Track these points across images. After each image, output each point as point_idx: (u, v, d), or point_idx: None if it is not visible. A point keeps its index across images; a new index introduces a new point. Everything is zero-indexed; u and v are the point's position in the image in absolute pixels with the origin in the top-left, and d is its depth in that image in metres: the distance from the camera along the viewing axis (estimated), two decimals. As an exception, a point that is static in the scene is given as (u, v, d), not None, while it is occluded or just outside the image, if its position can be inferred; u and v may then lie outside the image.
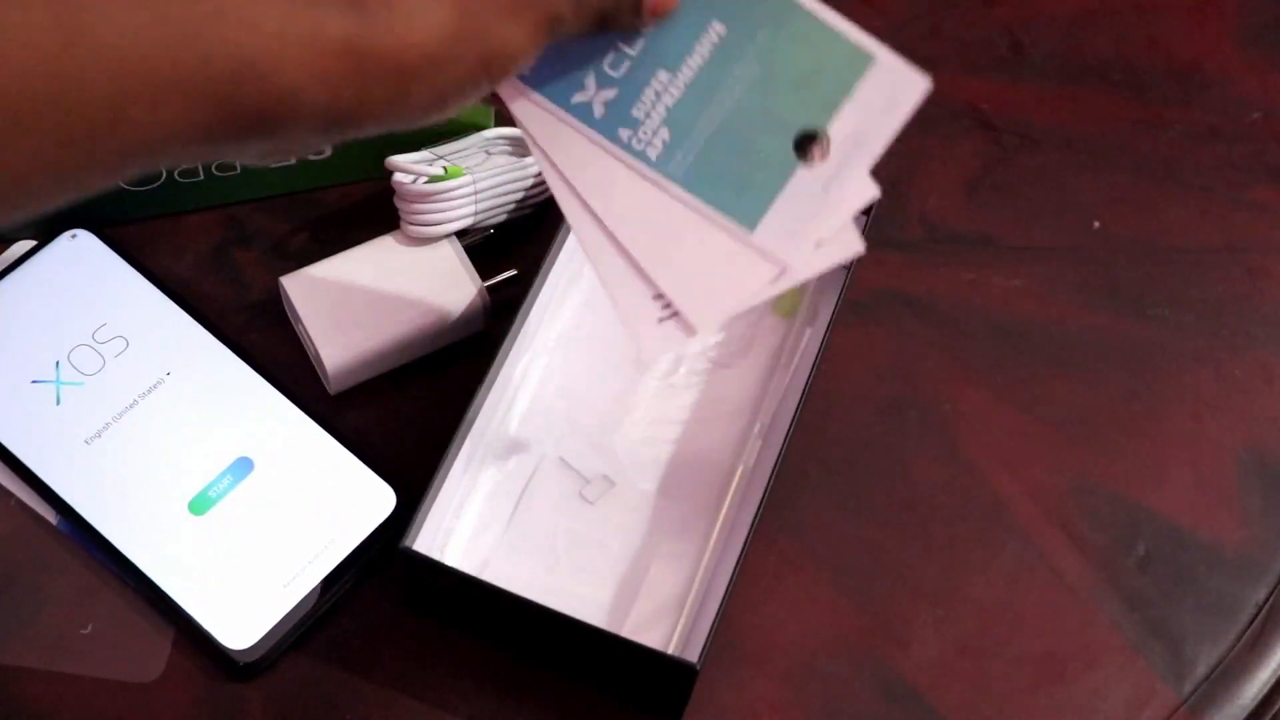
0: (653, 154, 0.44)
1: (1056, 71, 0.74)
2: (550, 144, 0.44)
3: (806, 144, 0.44)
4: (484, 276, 0.63)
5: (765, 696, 0.58)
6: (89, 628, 0.57)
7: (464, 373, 0.61)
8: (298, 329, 0.62)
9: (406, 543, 0.54)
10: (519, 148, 0.65)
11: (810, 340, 0.63)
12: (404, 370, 0.63)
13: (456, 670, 0.57)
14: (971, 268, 0.68)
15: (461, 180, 0.62)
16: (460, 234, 0.63)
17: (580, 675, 0.57)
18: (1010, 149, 0.72)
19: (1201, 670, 0.60)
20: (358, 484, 0.59)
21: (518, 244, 0.65)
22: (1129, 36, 0.75)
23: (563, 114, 0.44)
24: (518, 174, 0.64)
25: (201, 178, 0.64)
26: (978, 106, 0.73)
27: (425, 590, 0.57)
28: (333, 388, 0.62)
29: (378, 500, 0.59)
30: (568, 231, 0.61)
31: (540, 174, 0.64)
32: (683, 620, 0.57)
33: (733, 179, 0.44)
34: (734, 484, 0.60)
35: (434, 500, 0.56)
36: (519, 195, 0.64)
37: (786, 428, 0.59)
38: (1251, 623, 0.61)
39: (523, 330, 0.60)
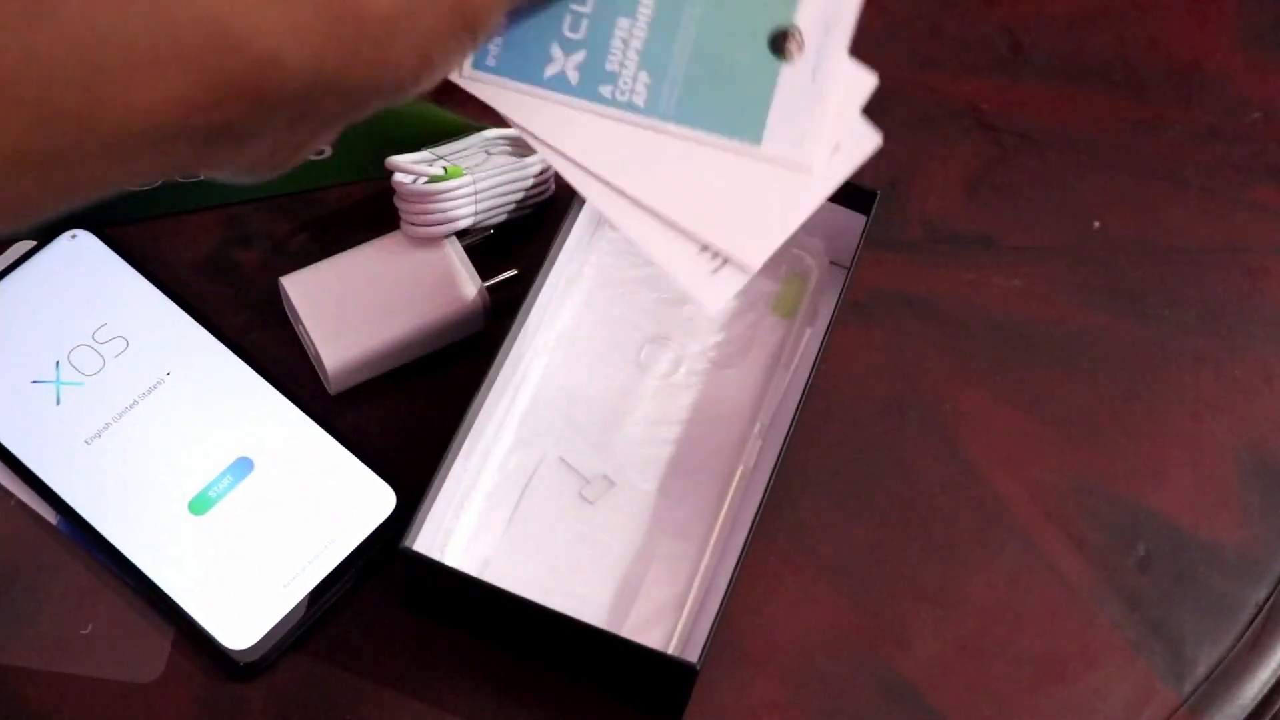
0: (639, 101, 0.44)
1: (1056, 71, 0.74)
2: (547, 132, 0.44)
3: (781, 42, 0.45)
4: (484, 276, 0.63)
5: (765, 696, 0.58)
6: (89, 628, 0.57)
7: (464, 373, 0.61)
8: (298, 329, 0.62)
9: (406, 543, 0.54)
10: (519, 148, 0.65)
11: (810, 340, 0.63)
12: (404, 370, 0.63)
13: (456, 670, 0.57)
14: (971, 268, 0.68)
15: (461, 180, 0.62)
16: (460, 234, 0.63)
17: (580, 675, 0.57)
18: (1010, 149, 0.72)
19: (1201, 670, 0.60)
20: (358, 484, 0.59)
21: (518, 244, 0.65)
22: (1129, 36, 0.75)
23: (541, 92, 0.44)
24: (518, 174, 0.64)
25: (201, 176, 0.64)
26: (978, 106, 0.73)
27: (425, 590, 0.57)
28: (333, 388, 0.62)
29: (378, 500, 0.59)
30: (568, 231, 0.61)
31: (540, 174, 0.64)
32: (683, 620, 0.57)
33: (723, 100, 0.44)
34: (734, 484, 0.60)
35: (434, 500, 0.56)
36: (519, 195, 0.64)
37: (786, 428, 0.59)
38: (1251, 623, 0.61)
39: (523, 330, 0.60)
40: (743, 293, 0.64)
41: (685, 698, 0.55)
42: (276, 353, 0.62)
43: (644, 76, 0.44)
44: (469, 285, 0.62)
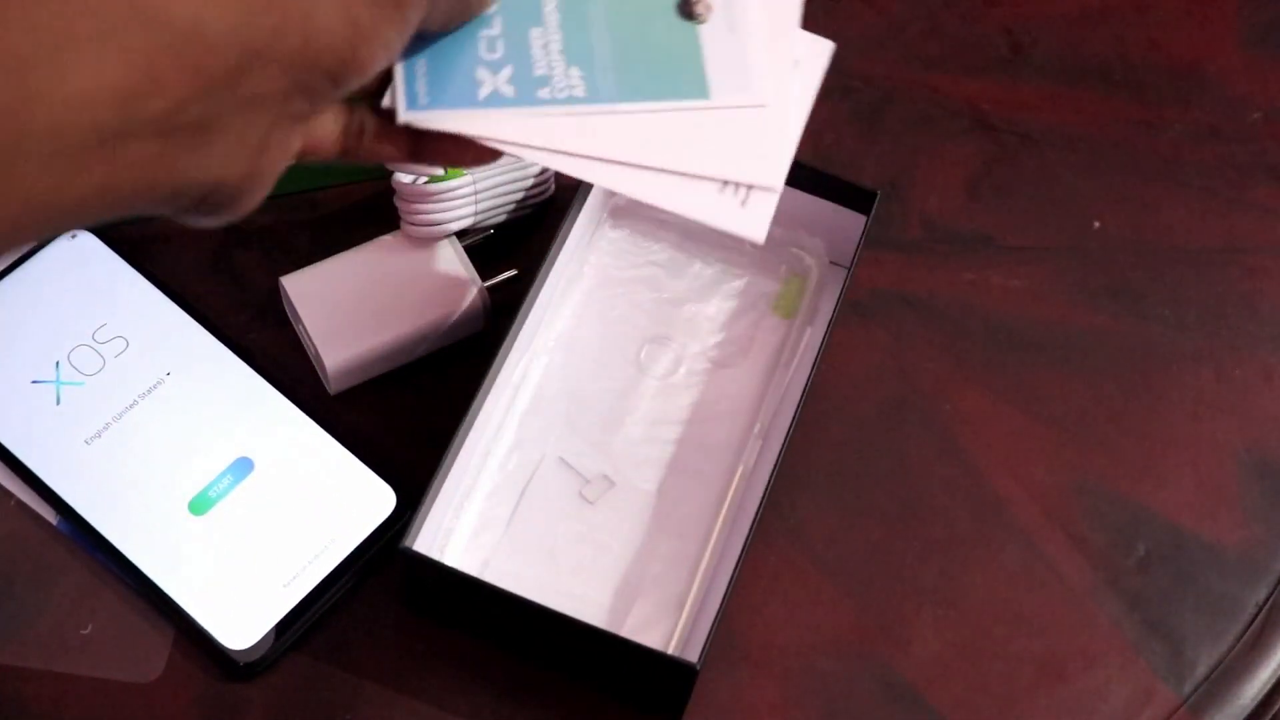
0: (579, 93, 0.44)
1: (1056, 71, 0.74)
2: (520, 137, 0.44)
3: (689, 7, 0.46)
4: (484, 276, 0.63)
5: (765, 696, 0.58)
6: (89, 628, 0.57)
7: (464, 373, 0.61)
8: (298, 329, 0.62)
9: (406, 543, 0.54)
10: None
11: (810, 340, 0.63)
12: (404, 370, 0.63)
13: (456, 670, 0.57)
14: (971, 268, 0.68)
15: (461, 180, 0.62)
16: (460, 234, 0.63)
17: (580, 675, 0.57)
18: (1010, 149, 0.72)
19: (1201, 670, 0.60)
20: (358, 484, 0.59)
21: (518, 244, 0.65)
22: (1129, 36, 0.75)
23: (482, 112, 0.44)
24: (518, 174, 0.64)
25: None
26: (978, 106, 0.73)
27: (425, 590, 0.57)
28: (333, 388, 0.62)
29: (378, 500, 0.59)
30: (567, 231, 0.61)
31: (540, 174, 0.64)
32: (683, 620, 0.57)
33: (658, 71, 0.45)
34: (734, 484, 0.60)
35: (434, 500, 0.56)
36: (519, 195, 0.64)
37: (786, 428, 0.59)
38: (1251, 623, 0.61)
39: (523, 330, 0.60)
40: (743, 293, 0.65)
41: (685, 698, 0.55)
42: (276, 353, 0.62)
43: (575, 71, 0.45)
44: (469, 285, 0.62)
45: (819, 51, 0.49)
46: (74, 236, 0.63)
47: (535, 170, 0.64)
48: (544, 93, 0.44)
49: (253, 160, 0.39)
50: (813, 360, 0.60)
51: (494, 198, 0.63)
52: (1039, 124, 0.72)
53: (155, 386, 0.60)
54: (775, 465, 0.57)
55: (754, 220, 0.45)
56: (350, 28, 0.38)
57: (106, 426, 0.59)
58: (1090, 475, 0.63)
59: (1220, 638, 0.60)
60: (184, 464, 0.59)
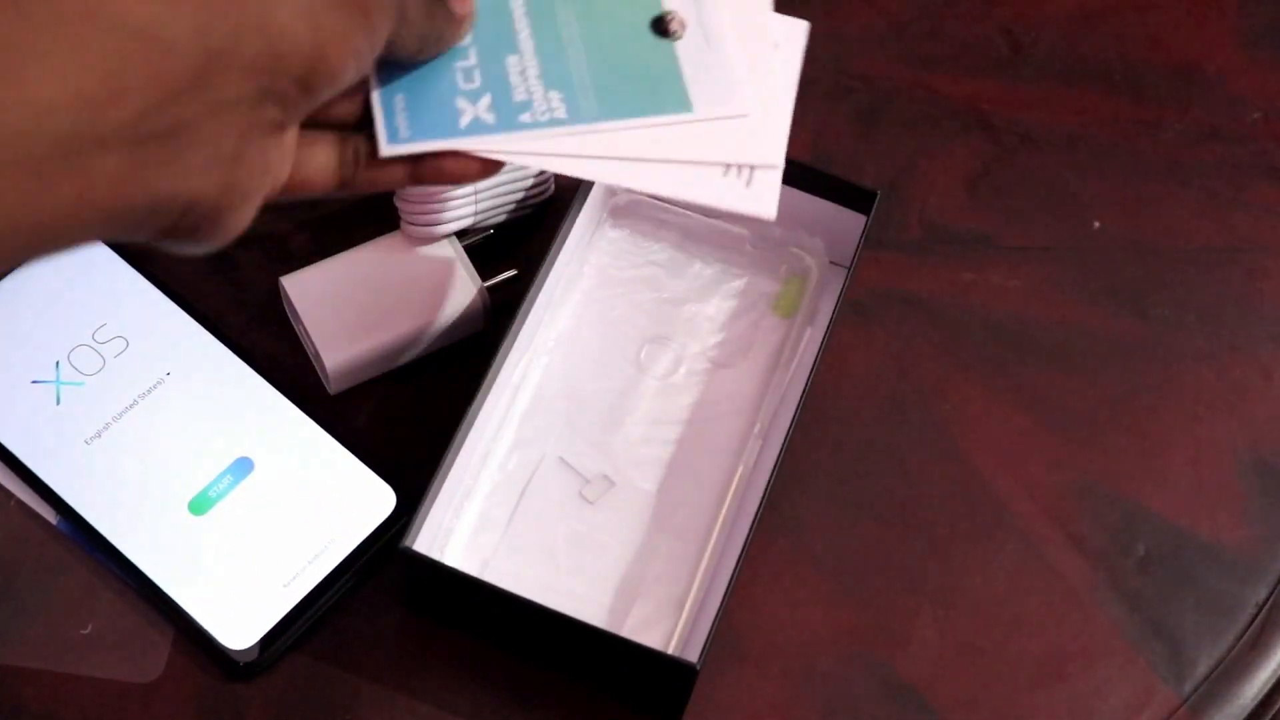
0: (561, 114, 0.44)
1: (1056, 71, 0.74)
2: (515, 146, 0.44)
3: (662, 26, 0.46)
4: (484, 276, 0.63)
5: (765, 696, 0.58)
6: (89, 628, 0.57)
7: (464, 373, 0.61)
8: (298, 329, 0.62)
9: (406, 543, 0.54)
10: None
11: (810, 340, 0.63)
12: (404, 370, 0.63)
13: (456, 670, 0.57)
14: (971, 268, 0.68)
15: (461, 180, 0.62)
16: (460, 234, 0.63)
17: (580, 675, 0.57)
18: (1010, 149, 0.72)
19: (1201, 670, 0.60)
20: (358, 484, 0.59)
21: (518, 244, 0.65)
22: (1129, 36, 0.75)
23: (465, 140, 0.44)
24: (518, 174, 0.64)
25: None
26: (978, 106, 0.73)
27: (425, 590, 0.57)
28: (333, 388, 0.62)
29: (378, 500, 0.59)
30: (567, 231, 0.61)
31: (540, 173, 0.64)
32: (683, 620, 0.57)
33: (638, 89, 0.45)
34: (734, 484, 0.60)
35: (434, 500, 0.56)
36: (519, 195, 0.64)
37: (786, 428, 0.59)
38: (1251, 623, 0.61)
39: (523, 330, 0.60)
40: (743, 293, 0.65)
41: (685, 698, 0.55)
42: (276, 353, 0.62)
43: (555, 94, 0.45)
44: (469, 285, 0.62)
45: (795, 32, 0.49)
46: (74, 236, 0.63)
47: (535, 170, 0.64)
48: (525, 117, 0.44)
49: (227, 171, 0.38)
50: (813, 360, 0.60)
51: (494, 198, 0.63)
52: (1039, 124, 0.72)
53: (155, 386, 0.60)
54: (775, 465, 0.57)
55: (762, 199, 0.45)
56: (314, 31, 0.38)
57: (106, 426, 0.59)
58: (1090, 475, 0.63)
59: (1220, 638, 0.60)
60: (184, 464, 0.59)
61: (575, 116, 0.44)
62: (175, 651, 0.57)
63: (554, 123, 0.44)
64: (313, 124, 0.43)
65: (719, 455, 0.61)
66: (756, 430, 0.61)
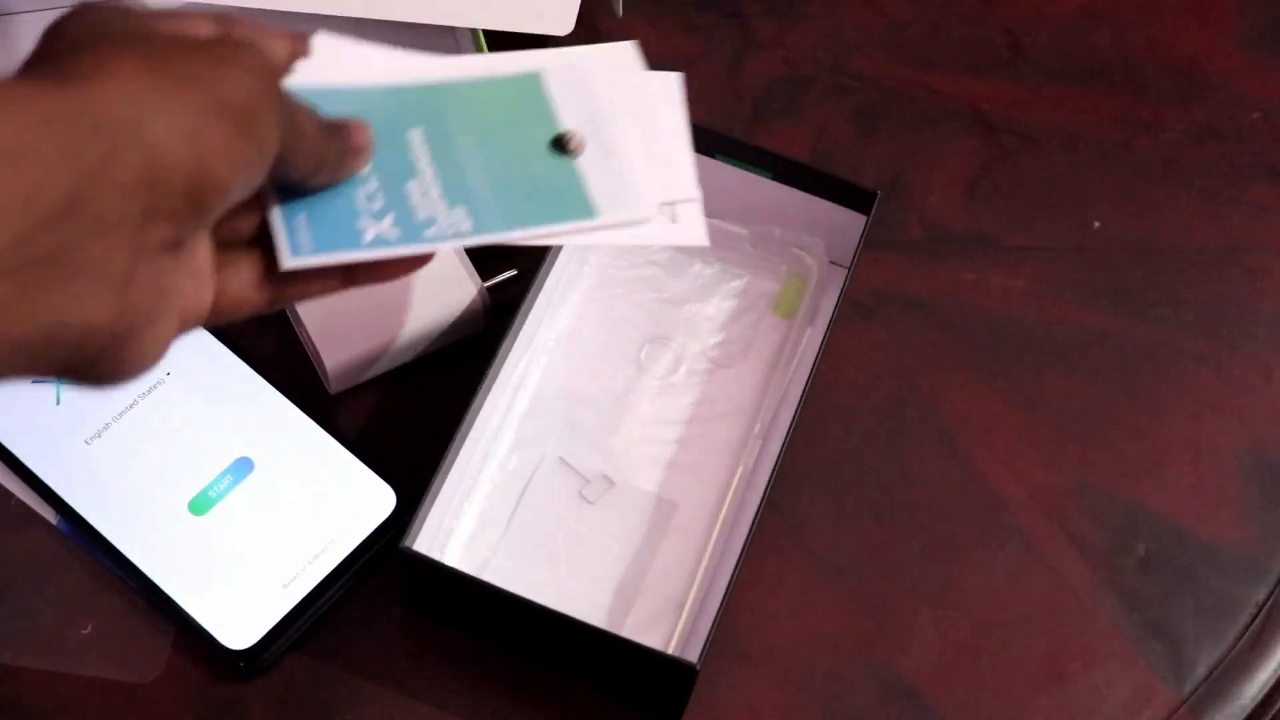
0: (466, 228, 0.44)
1: (1056, 71, 0.74)
2: (423, 251, 0.45)
3: (563, 144, 0.47)
4: (484, 276, 0.63)
5: (765, 696, 0.58)
6: (89, 628, 0.57)
7: (464, 373, 0.61)
8: (298, 329, 0.62)
9: (406, 543, 0.54)
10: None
11: (810, 340, 0.63)
12: (404, 370, 0.63)
13: (456, 670, 0.57)
14: (971, 268, 0.68)
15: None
16: (460, 234, 0.63)
17: (580, 675, 0.57)
18: (1010, 149, 0.72)
19: (1201, 670, 0.60)
20: (358, 484, 0.59)
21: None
22: (1129, 36, 0.75)
23: (368, 253, 0.43)
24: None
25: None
26: (977, 106, 0.73)
27: (425, 590, 0.57)
28: (333, 388, 0.62)
29: (378, 500, 0.59)
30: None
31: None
32: (683, 620, 0.57)
33: (543, 201, 0.46)
34: (734, 484, 0.60)
35: (434, 500, 0.56)
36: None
37: (786, 428, 0.59)
38: (1251, 623, 0.61)
39: (523, 330, 0.60)
40: (743, 293, 0.65)
41: (685, 698, 0.55)
42: (276, 353, 0.62)
43: (459, 210, 0.45)
44: (469, 285, 0.62)
45: (671, 83, 0.50)
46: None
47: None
48: (430, 232, 0.44)
49: (119, 295, 0.36)
50: (813, 360, 0.60)
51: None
52: (1039, 124, 0.72)
53: (155, 386, 0.60)
54: (775, 465, 0.57)
55: (692, 232, 0.48)
56: (194, 145, 0.37)
57: (106, 426, 0.59)
58: (1090, 475, 0.63)
59: (1220, 638, 0.60)
60: (184, 464, 0.59)
61: (480, 229, 0.45)
62: (175, 651, 0.57)
63: (459, 235, 0.44)
64: (232, 242, 0.43)
65: (719, 455, 0.61)
66: (756, 430, 0.61)
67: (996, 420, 0.64)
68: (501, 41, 0.57)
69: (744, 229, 0.65)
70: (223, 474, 0.59)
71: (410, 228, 0.44)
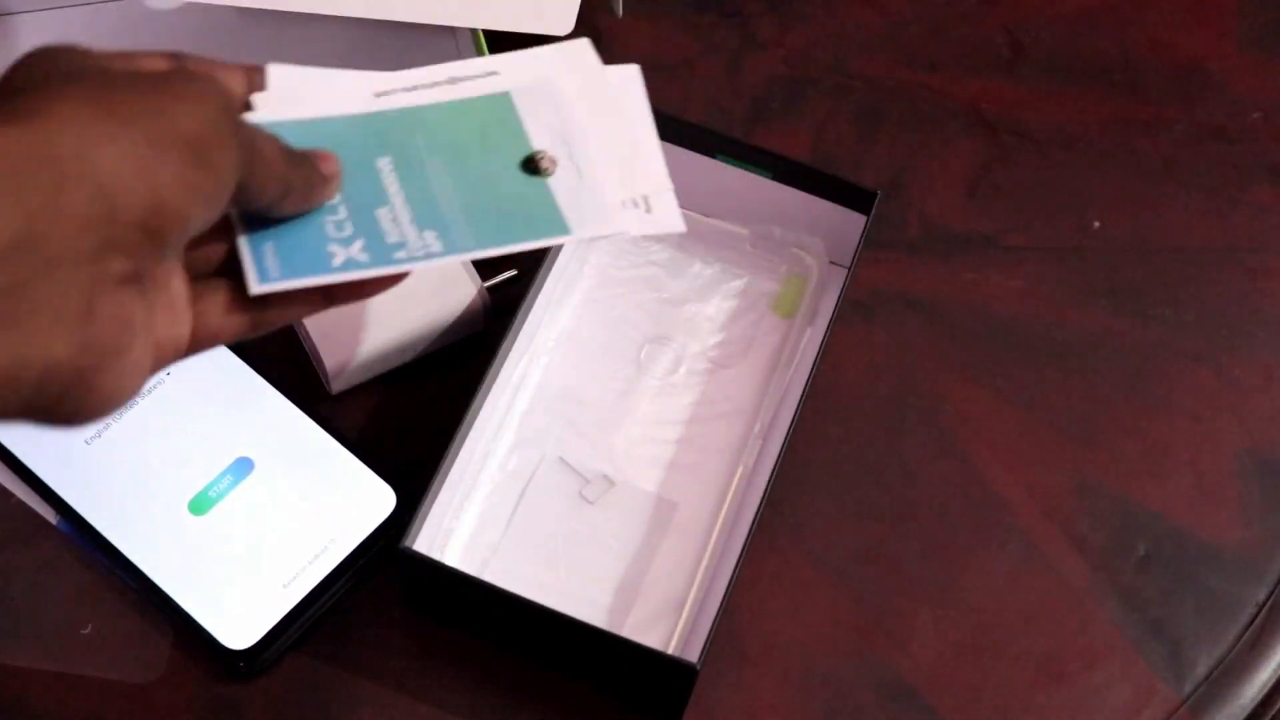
0: (437, 249, 0.44)
1: (1056, 71, 0.74)
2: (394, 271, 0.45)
3: (534, 165, 0.47)
4: (484, 276, 0.63)
5: (765, 696, 0.58)
6: (89, 628, 0.57)
7: (464, 373, 0.61)
8: (298, 329, 0.62)
9: (406, 543, 0.54)
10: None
11: (810, 340, 0.63)
12: (404, 370, 0.63)
13: (456, 670, 0.57)
14: (971, 268, 0.68)
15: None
16: (460, 234, 0.63)
17: (580, 675, 0.57)
18: (1010, 149, 0.72)
19: (1201, 670, 0.60)
20: (358, 484, 0.59)
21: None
22: (1129, 36, 0.75)
23: (339, 276, 0.43)
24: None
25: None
26: (977, 106, 0.73)
27: (425, 590, 0.57)
28: (333, 388, 0.62)
29: (378, 500, 0.59)
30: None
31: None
32: (683, 620, 0.57)
33: (516, 220, 0.46)
34: (734, 484, 0.60)
35: (434, 500, 0.56)
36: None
37: (786, 428, 0.59)
38: (1251, 623, 0.61)
39: (523, 330, 0.60)
40: (743, 293, 0.65)
41: (685, 698, 0.55)
42: (276, 353, 0.62)
43: (430, 234, 0.45)
44: (469, 285, 0.62)
45: (629, 75, 0.50)
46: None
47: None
48: (400, 254, 0.44)
49: (78, 330, 0.36)
50: (813, 360, 0.60)
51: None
52: (1039, 124, 0.72)
53: (155, 386, 0.60)
54: (775, 465, 0.57)
55: (666, 219, 0.48)
56: (146, 177, 0.36)
57: (106, 426, 0.59)
58: (1090, 475, 0.63)
59: (1220, 638, 0.60)
60: (184, 464, 0.59)
61: (451, 249, 0.44)
62: (175, 651, 0.57)
63: (430, 256, 0.44)
64: (208, 272, 0.43)
65: (719, 455, 0.61)
66: (756, 430, 0.61)
67: (996, 420, 0.64)
68: (501, 41, 0.57)
69: (744, 229, 0.65)
70: (223, 474, 0.59)
71: (380, 250, 0.44)
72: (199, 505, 0.58)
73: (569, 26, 0.63)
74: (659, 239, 0.66)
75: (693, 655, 0.55)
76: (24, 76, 0.38)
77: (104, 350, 0.37)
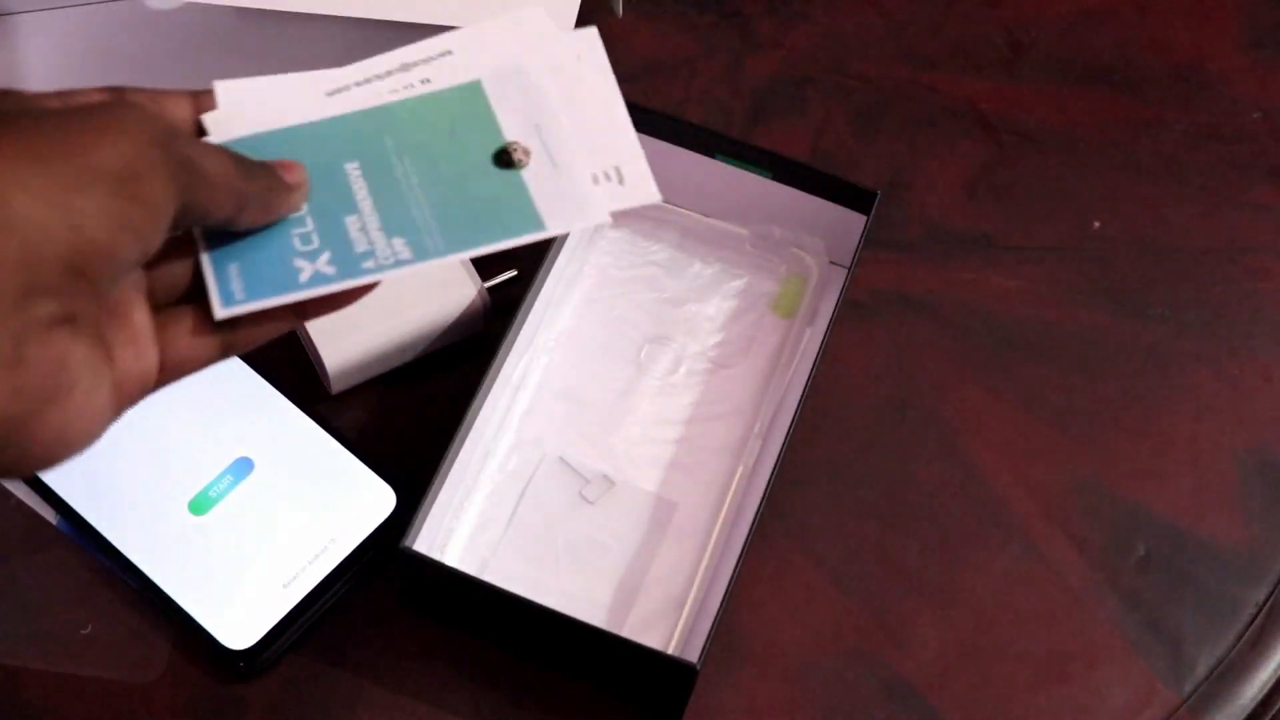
0: (407, 256, 0.43)
1: (1056, 71, 0.74)
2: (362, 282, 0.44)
3: (506, 158, 0.45)
4: (484, 276, 0.63)
5: (765, 696, 0.58)
6: (89, 628, 0.57)
7: (464, 373, 0.61)
8: (298, 329, 0.62)
9: (406, 543, 0.54)
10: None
11: (810, 340, 0.63)
12: (405, 370, 0.63)
13: (456, 670, 0.57)
14: (971, 268, 0.68)
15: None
16: (460, 234, 0.63)
17: (580, 675, 0.57)
18: (1010, 149, 0.72)
19: (1201, 670, 0.60)
20: (358, 484, 0.59)
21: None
22: (1129, 36, 0.75)
23: (307, 293, 0.42)
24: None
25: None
26: (978, 106, 0.73)
27: (425, 590, 0.57)
28: (333, 388, 0.62)
29: (378, 500, 0.59)
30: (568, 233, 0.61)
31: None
32: (683, 620, 0.57)
33: (488, 219, 0.44)
34: (734, 484, 0.60)
35: (434, 500, 0.56)
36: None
37: (786, 428, 0.59)
38: (1251, 623, 0.61)
39: (523, 330, 0.60)
40: (743, 293, 0.65)
41: (685, 698, 0.55)
42: (276, 353, 0.62)
43: (398, 240, 0.43)
44: (469, 285, 0.62)
45: (588, 40, 0.48)
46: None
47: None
48: (369, 264, 0.43)
49: (7, 378, 0.35)
50: (813, 360, 0.60)
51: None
52: (1039, 124, 0.72)
53: (155, 386, 0.60)
54: (775, 465, 0.57)
55: (640, 191, 0.45)
56: (67, 216, 0.36)
57: (106, 426, 0.59)
58: (1090, 475, 0.63)
59: (1220, 638, 0.60)
60: (184, 464, 0.59)
61: (421, 255, 0.43)
62: (175, 651, 0.57)
63: (400, 264, 0.43)
64: (171, 299, 0.42)
65: (719, 455, 0.61)
66: (756, 430, 0.61)
67: (996, 420, 0.64)
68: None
69: (744, 229, 0.65)
70: (223, 474, 0.59)
71: (348, 261, 0.43)
72: (199, 505, 0.58)
73: (569, 27, 0.63)
74: (658, 238, 0.66)
75: (693, 655, 0.55)
76: None
77: (39, 396, 0.36)
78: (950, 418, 0.64)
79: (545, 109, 0.47)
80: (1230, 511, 0.63)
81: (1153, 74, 0.74)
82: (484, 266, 0.63)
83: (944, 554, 0.61)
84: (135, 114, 0.39)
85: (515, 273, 0.64)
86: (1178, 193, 0.71)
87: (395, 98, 0.46)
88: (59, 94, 0.40)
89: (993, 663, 0.59)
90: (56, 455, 0.38)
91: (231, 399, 0.60)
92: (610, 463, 0.61)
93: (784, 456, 0.58)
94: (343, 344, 0.61)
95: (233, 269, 0.42)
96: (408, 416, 0.62)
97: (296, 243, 0.43)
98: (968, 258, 0.68)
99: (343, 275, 0.43)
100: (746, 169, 0.63)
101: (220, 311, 0.42)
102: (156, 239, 0.38)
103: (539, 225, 0.44)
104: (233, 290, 0.42)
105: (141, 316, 0.40)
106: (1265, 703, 0.60)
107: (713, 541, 0.59)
